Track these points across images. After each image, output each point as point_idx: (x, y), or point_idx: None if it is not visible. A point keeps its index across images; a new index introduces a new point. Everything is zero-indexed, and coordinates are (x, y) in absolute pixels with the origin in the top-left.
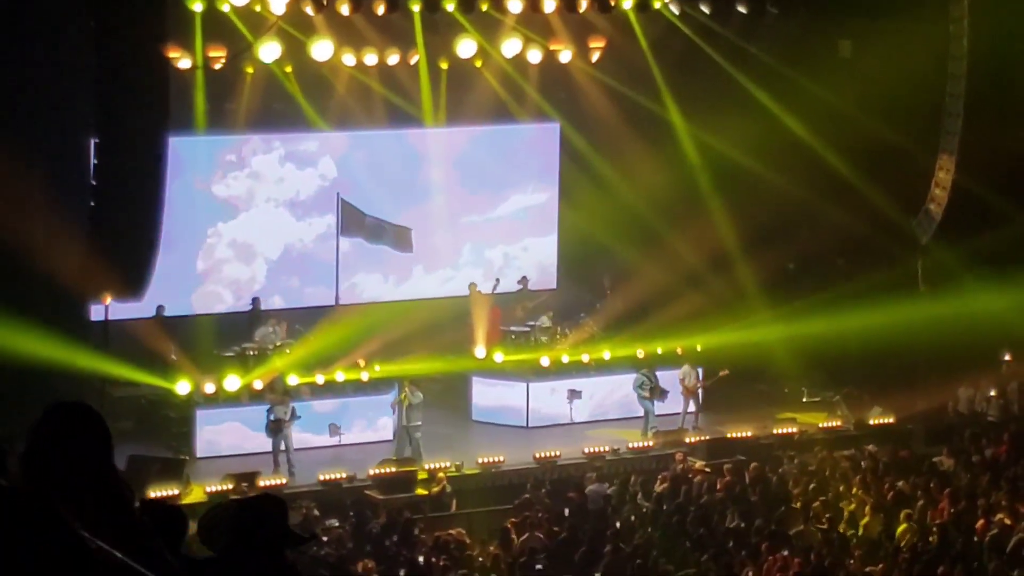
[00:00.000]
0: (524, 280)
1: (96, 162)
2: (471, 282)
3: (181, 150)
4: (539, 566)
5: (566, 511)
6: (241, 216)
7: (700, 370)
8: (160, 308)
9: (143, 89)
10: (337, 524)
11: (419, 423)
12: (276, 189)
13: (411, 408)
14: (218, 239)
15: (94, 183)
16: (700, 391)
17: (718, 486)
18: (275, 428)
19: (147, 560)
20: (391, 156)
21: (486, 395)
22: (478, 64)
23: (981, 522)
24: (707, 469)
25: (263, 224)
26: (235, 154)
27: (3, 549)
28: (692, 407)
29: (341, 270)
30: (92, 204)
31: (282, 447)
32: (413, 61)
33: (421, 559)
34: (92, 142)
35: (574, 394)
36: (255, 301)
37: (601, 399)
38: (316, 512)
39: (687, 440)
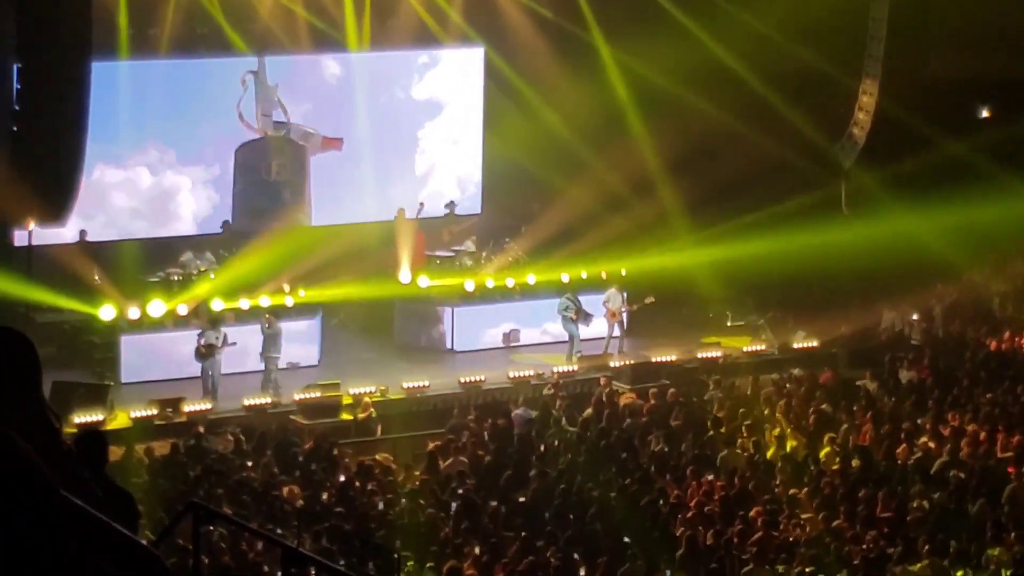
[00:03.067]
0: (451, 204)
1: (19, 87)
2: (399, 207)
3: (380, 65)
4: (460, 490)
5: (485, 435)
6: (446, 111)
7: (625, 294)
8: (83, 233)
9: (65, 13)
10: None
11: (277, 355)
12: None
13: (267, 339)
14: (428, 139)
15: (17, 108)
16: (625, 315)
17: (643, 410)
18: (207, 354)
19: (77, 490)
20: (315, 79)
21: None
22: None
23: (903, 445)
24: (634, 395)
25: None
26: (427, 55)
27: None
28: (616, 331)
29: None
30: (15, 129)
31: (209, 373)
32: None
33: (346, 483)
34: (15, 67)
35: (513, 335)
36: (225, 224)
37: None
38: (242, 437)
39: (611, 364)
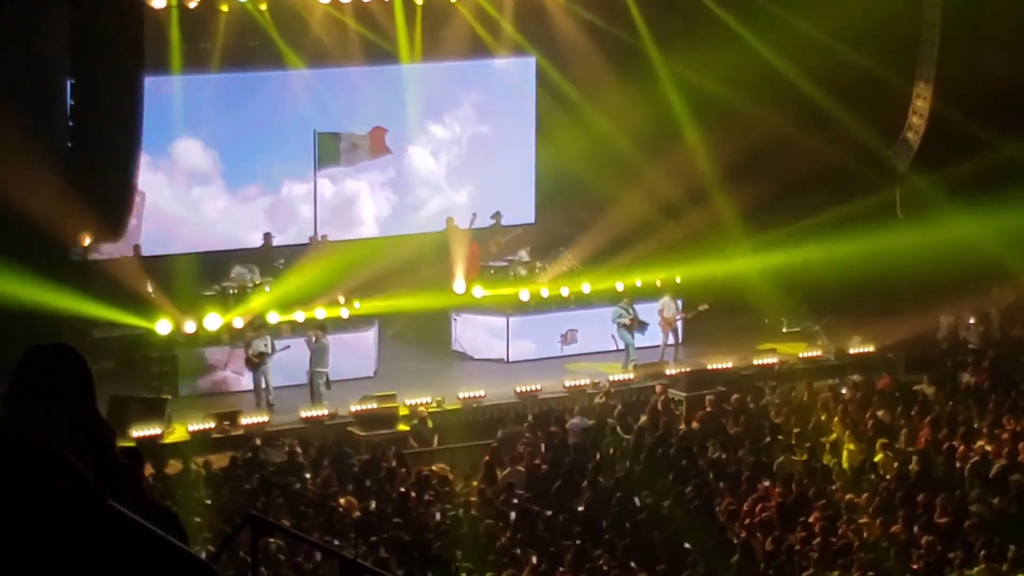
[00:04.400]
0: (497, 215)
1: (72, 103)
2: (448, 216)
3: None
4: (515, 500)
5: (542, 446)
6: None
7: (679, 302)
8: (137, 247)
9: (118, 29)
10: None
11: (324, 369)
12: None
13: (315, 354)
14: None
15: (71, 124)
16: (680, 323)
17: (699, 417)
18: (259, 362)
19: (131, 503)
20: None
21: (466, 330)
22: None
23: (962, 449)
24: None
25: None
26: None
27: (19, 507)
28: (671, 339)
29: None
30: (69, 145)
31: (263, 384)
32: None
33: (404, 494)
34: (68, 83)
35: (571, 335)
36: (267, 236)
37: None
38: (299, 449)
39: (667, 372)
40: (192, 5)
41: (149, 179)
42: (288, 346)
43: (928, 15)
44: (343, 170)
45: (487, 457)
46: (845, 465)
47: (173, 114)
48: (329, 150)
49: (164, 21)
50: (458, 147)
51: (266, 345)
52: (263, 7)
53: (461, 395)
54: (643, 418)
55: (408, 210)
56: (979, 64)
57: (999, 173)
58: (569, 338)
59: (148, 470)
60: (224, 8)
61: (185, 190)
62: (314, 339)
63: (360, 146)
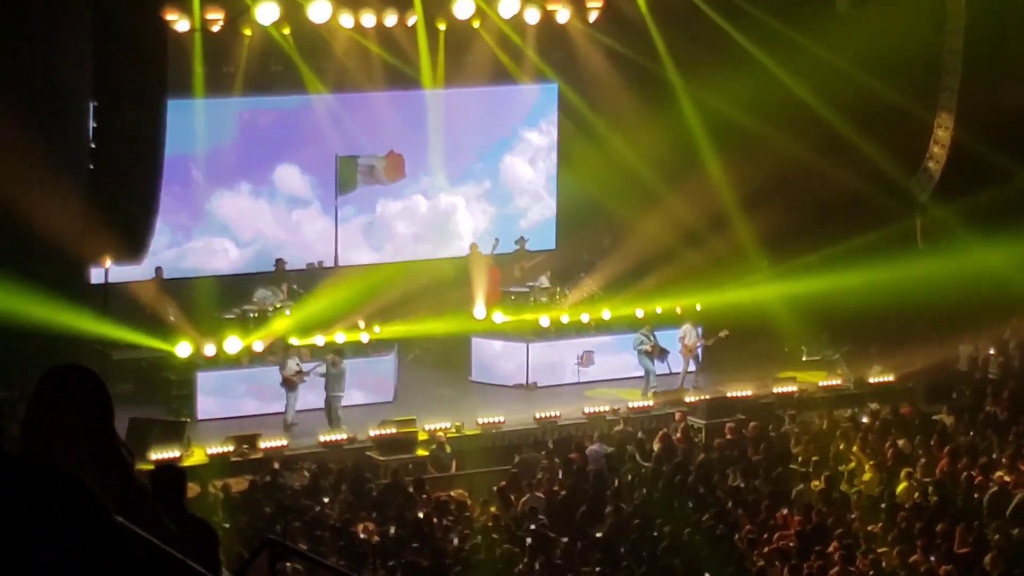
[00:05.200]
0: (522, 240)
1: (95, 125)
2: (473, 242)
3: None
4: (533, 526)
5: (560, 473)
6: None
7: (700, 329)
8: (159, 270)
9: (141, 52)
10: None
11: (340, 394)
12: None
13: (332, 379)
14: None
15: (93, 146)
16: (700, 350)
17: (718, 445)
18: (298, 381)
19: (146, 525)
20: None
21: (486, 356)
22: (476, 25)
23: (981, 479)
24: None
25: None
26: None
27: (27, 524)
28: (692, 366)
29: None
30: (91, 167)
31: (291, 404)
32: (411, 22)
33: (422, 519)
34: (91, 105)
35: (588, 357)
36: (279, 262)
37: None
38: (318, 472)
39: (687, 400)
40: (215, 29)
41: (251, 205)
42: (322, 363)
43: (950, 44)
44: (438, 185)
45: (503, 483)
46: (862, 493)
47: (269, 141)
48: (348, 174)
49: (187, 45)
50: (556, 153)
51: (298, 364)
52: (286, 31)
53: (480, 420)
54: (656, 445)
55: (508, 221)
56: (1001, 94)
57: (1020, 203)
58: (586, 360)
59: None
60: (247, 32)
61: (286, 214)
62: (331, 363)
63: (377, 168)
